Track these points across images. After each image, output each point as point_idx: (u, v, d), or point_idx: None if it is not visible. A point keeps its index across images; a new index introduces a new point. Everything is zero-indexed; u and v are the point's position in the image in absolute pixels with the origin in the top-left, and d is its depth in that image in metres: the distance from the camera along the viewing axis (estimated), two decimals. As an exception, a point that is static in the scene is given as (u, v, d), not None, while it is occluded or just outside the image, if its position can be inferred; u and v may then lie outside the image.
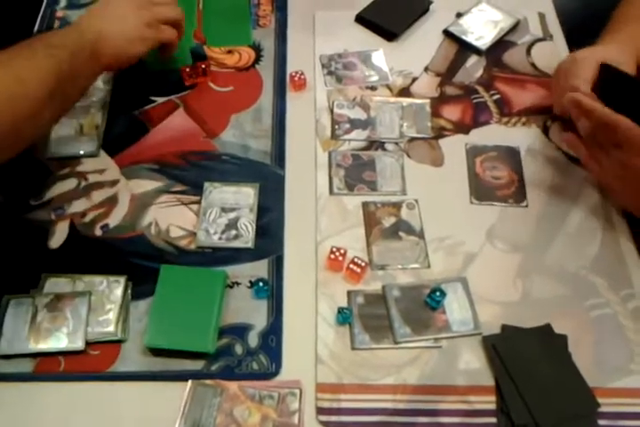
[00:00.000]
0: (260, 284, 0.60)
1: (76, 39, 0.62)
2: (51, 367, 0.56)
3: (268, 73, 0.79)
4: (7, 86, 0.54)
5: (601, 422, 0.54)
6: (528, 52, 0.83)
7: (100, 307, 0.58)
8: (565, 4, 0.92)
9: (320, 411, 0.54)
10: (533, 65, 0.81)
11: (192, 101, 0.76)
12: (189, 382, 0.55)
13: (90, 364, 0.56)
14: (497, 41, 0.83)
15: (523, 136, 0.74)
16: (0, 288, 0.59)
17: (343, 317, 0.58)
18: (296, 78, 0.77)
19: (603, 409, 0.54)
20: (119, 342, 0.57)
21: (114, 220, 0.65)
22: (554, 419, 0.54)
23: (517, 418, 0.53)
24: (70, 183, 0.68)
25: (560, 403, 0.54)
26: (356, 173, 0.70)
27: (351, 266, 0.61)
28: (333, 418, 0.54)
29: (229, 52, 0.81)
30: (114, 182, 0.68)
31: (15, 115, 0.54)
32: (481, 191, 0.69)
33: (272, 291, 0.61)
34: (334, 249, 0.61)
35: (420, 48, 0.83)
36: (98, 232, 0.64)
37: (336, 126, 0.74)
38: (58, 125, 0.71)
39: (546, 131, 0.75)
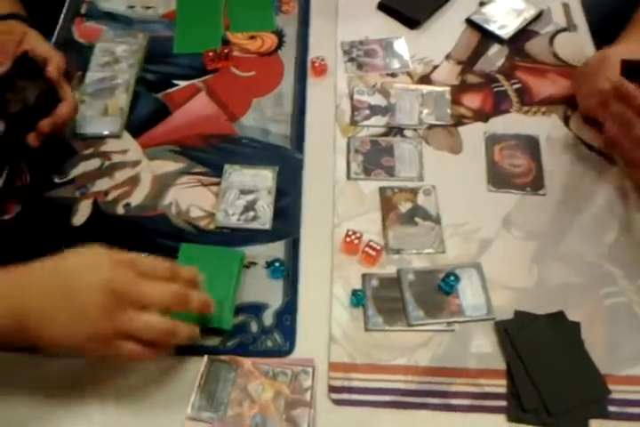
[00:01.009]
0: (277, 264, 0.61)
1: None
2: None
3: (289, 59, 0.80)
4: None
5: (611, 408, 0.54)
6: (551, 41, 0.83)
7: (120, 283, 0.59)
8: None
9: (332, 389, 0.55)
10: (555, 55, 0.81)
11: (214, 86, 0.77)
12: (205, 357, 0.56)
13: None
14: (519, 30, 0.83)
15: (542, 125, 0.74)
16: (26, 262, 0.61)
17: (357, 299, 0.59)
18: (317, 64, 0.78)
19: (613, 396, 0.55)
20: (138, 317, 0.58)
21: (136, 199, 0.66)
22: (564, 404, 0.54)
23: (527, 403, 0.54)
24: (94, 163, 0.69)
25: (571, 389, 0.55)
26: (374, 158, 0.71)
27: (366, 249, 0.62)
28: (345, 396, 0.55)
29: (252, 37, 0.82)
30: (136, 163, 0.69)
31: None
32: (498, 179, 0.69)
33: (288, 272, 0.61)
34: (350, 232, 0.62)
35: (441, 36, 0.83)
36: (120, 211, 0.66)
37: (355, 112, 0.75)
38: (84, 106, 0.73)
39: (566, 120, 0.74)
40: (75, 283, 0.47)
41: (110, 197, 0.67)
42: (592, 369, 0.56)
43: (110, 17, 0.84)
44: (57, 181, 0.68)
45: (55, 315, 0.47)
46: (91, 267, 0.49)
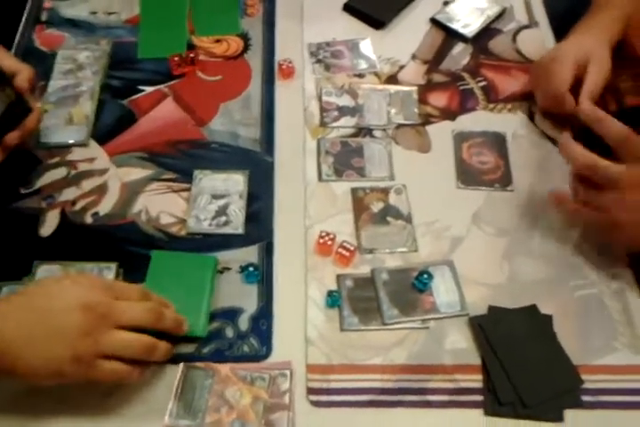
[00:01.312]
0: (251, 268, 0.60)
1: None
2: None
3: (256, 62, 0.80)
4: None
5: (584, 397, 0.55)
6: (514, 39, 0.84)
7: (91, 293, 0.59)
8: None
9: (310, 391, 0.55)
10: (519, 52, 0.82)
11: (181, 91, 0.76)
12: (181, 364, 0.55)
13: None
14: (483, 28, 0.84)
15: (509, 122, 0.75)
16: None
17: (332, 299, 0.59)
18: (284, 66, 0.77)
19: (586, 386, 0.56)
20: (112, 326, 0.57)
21: (104, 207, 0.66)
22: (539, 396, 0.55)
23: (503, 396, 0.55)
24: (60, 172, 0.68)
25: (545, 381, 0.56)
26: (345, 159, 0.71)
27: (340, 250, 0.62)
28: (323, 398, 0.55)
29: (218, 41, 0.82)
30: (103, 171, 0.69)
31: None
32: (467, 176, 0.70)
33: (262, 276, 0.61)
34: (323, 234, 0.62)
35: (407, 36, 0.84)
36: (89, 220, 0.65)
37: (324, 114, 0.75)
38: (47, 115, 0.72)
39: (531, 117, 0.76)
40: (51, 306, 0.47)
41: (78, 206, 0.66)
42: (565, 360, 0.57)
43: (72, 24, 0.83)
44: (23, 191, 0.66)
45: (33, 342, 0.46)
46: (67, 290, 0.49)
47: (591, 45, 0.70)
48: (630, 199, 0.56)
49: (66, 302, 0.47)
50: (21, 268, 0.61)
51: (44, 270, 0.60)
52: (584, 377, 0.56)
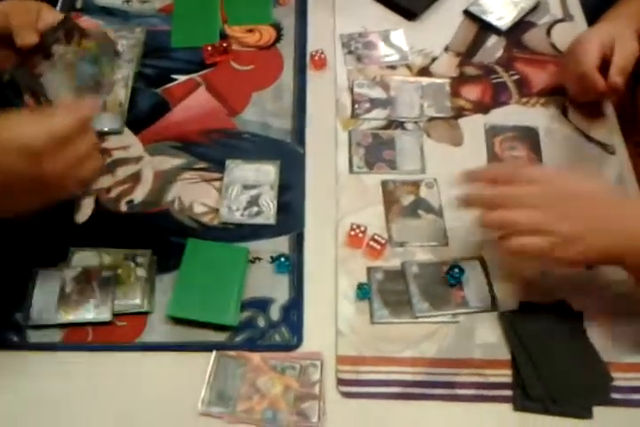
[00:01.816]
0: (282, 259, 0.61)
1: None
2: (79, 338, 0.58)
3: (288, 52, 0.79)
4: None
5: (614, 395, 0.55)
6: (548, 32, 0.83)
7: (126, 280, 0.60)
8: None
9: (340, 382, 0.55)
10: (553, 46, 0.81)
11: (213, 80, 0.76)
12: (214, 353, 0.56)
13: (117, 335, 0.58)
14: (517, 21, 0.83)
15: (541, 116, 0.74)
16: (29, 262, 0.61)
17: (363, 292, 0.59)
18: (316, 57, 0.77)
19: (617, 383, 0.56)
20: (145, 313, 0.59)
21: (138, 196, 0.66)
22: (568, 393, 0.55)
23: (533, 392, 0.55)
24: (95, 160, 0.69)
25: (575, 377, 0.56)
26: (376, 151, 0.71)
27: (371, 243, 0.62)
28: (353, 389, 0.55)
29: (250, 30, 0.82)
30: (138, 159, 0.69)
31: None
32: (500, 171, 0.69)
33: (293, 266, 0.62)
34: (354, 226, 0.62)
35: (439, 28, 0.83)
36: (123, 208, 0.66)
37: (356, 106, 0.75)
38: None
39: (564, 111, 0.75)
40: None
41: (113, 193, 0.67)
42: (595, 357, 0.57)
43: (106, 11, 0.83)
44: (58, 178, 0.67)
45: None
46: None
47: (617, 30, 0.69)
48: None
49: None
50: (57, 254, 0.62)
51: (80, 257, 0.62)
52: (614, 375, 0.56)
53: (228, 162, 0.69)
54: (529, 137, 0.72)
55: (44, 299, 0.58)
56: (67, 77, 0.62)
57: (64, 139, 0.47)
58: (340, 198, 0.67)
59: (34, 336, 0.58)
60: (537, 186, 0.54)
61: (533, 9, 0.85)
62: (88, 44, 0.63)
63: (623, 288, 0.61)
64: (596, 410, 0.55)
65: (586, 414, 0.54)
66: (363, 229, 0.62)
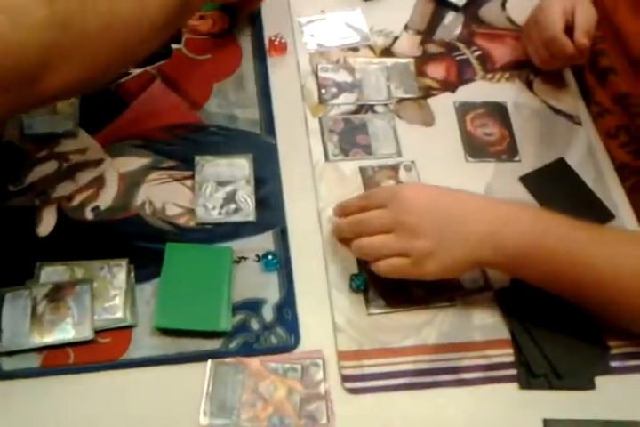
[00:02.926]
0: (269, 257, 0.58)
1: None
2: (59, 360, 0.53)
3: (245, 38, 0.76)
4: (130, 10, 0.47)
5: (613, 363, 0.56)
6: (503, 6, 0.82)
7: (104, 293, 0.56)
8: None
9: (345, 378, 0.54)
10: (510, 19, 0.81)
11: (169, 71, 0.72)
12: (209, 361, 0.53)
13: (101, 353, 0.54)
14: (472, -4, 0.82)
15: (508, 91, 0.74)
16: (-8, 282, 0.56)
17: (357, 283, 0.58)
18: (276, 42, 0.74)
19: (613, 351, 0.56)
20: (129, 327, 0.55)
21: (104, 201, 0.62)
22: (571, 366, 0.55)
23: (537, 368, 0.55)
24: (51, 166, 0.64)
25: (575, 349, 0.56)
26: (350, 137, 0.69)
27: (358, 232, 0.60)
28: (359, 384, 0.54)
29: (202, 17, 0.77)
30: (98, 162, 0.64)
31: (127, 38, 0.48)
32: (475, 149, 0.69)
33: (281, 263, 0.59)
34: None
35: (397, 6, 0.81)
36: (89, 215, 0.61)
37: (322, 90, 0.72)
38: (27, 104, 0.66)
39: (529, 85, 0.75)
40: None
41: (75, 201, 0.62)
42: (591, 327, 0.57)
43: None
44: (12, 189, 0.62)
45: None
46: None
47: None
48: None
49: None
50: (23, 271, 0.57)
51: (49, 272, 0.57)
52: (610, 343, 0.57)
53: (197, 158, 0.65)
54: (498, 112, 0.72)
55: (14, 322, 0.53)
56: None
57: None
58: (318, 188, 0.65)
59: (8, 364, 0.53)
60: (386, 207, 0.55)
61: (487, -17, 0.84)
62: None
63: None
64: (597, 380, 0.55)
65: (589, 385, 0.55)
66: (352, 219, 0.60)
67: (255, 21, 0.77)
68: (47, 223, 0.60)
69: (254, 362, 0.54)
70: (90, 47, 0.46)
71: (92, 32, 0.45)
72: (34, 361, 0.53)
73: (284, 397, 0.52)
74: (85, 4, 0.45)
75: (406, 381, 0.54)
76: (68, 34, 0.44)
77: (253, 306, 0.57)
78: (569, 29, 0.68)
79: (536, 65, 0.73)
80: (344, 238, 0.59)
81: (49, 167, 0.63)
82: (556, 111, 0.72)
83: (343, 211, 0.59)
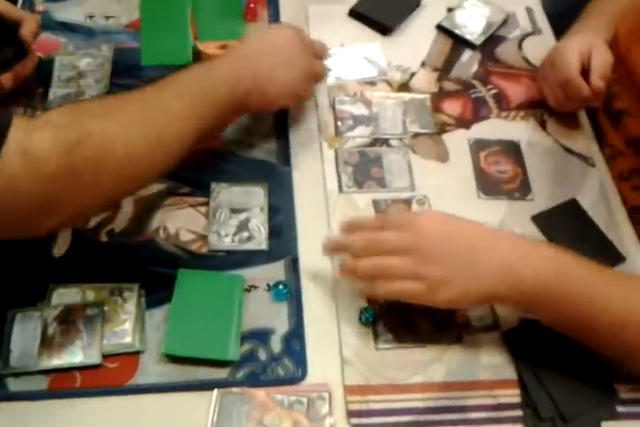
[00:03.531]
0: (280, 286, 0.58)
1: (227, 94, 0.57)
2: (66, 384, 0.53)
3: (264, 68, 0.77)
4: (149, 143, 0.49)
5: (619, 408, 0.55)
6: (519, 46, 0.84)
7: (114, 317, 0.56)
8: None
9: (351, 413, 0.53)
10: (526, 59, 0.82)
11: (189, 99, 0.73)
12: (215, 391, 0.53)
13: (108, 378, 0.53)
14: (489, 36, 0.84)
15: (522, 130, 0.75)
16: (4, 302, 0.56)
17: (366, 316, 0.58)
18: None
19: (620, 396, 0.56)
20: (137, 353, 0.55)
21: (119, 224, 0.62)
22: (577, 410, 0.55)
23: (544, 412, 0.54)
24: (69, 187, 0.64)
25: (582, 392, 0.56)
26: (364, 169, 0.69)
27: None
28: (365, 420, 0.53)
29: (223, 46, 0.79)
30: (115, 185, 0.65)
31: (151, 169, 0.51)
32: (487, 186, 0.69)
33: (291, 293, 0.59)
34: None
35: (415, 42, 0.83)
36: (104, 238, 0.61)
37: (339, 123, 0.73)
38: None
39: (543, 124, 0.76)
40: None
41: (91, 223, 0.62)
42: (598, 370, 0.57)
43: (67, 28, 0.79)
44: (30, 209, 0.62)
45: (272, 78, 0.62)
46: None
47: (591, 39, 0.71)
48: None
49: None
50: (36, 292, 0.57)
51: (61, 294, 0.57)
52: (618, 388, 0.56)
53: (213, 185, 0.66)
54: (512, 151, 0.73)
55: (24, 343, 0.54)
56: None
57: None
58: (331, 219, 0.65)
59: (15, 385, 0.53)
60: (406, 230, 0.54)
61: (504, 23, 0.86)
62: None
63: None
64: (604, 425, 0.55)
65: (595, 429, 0.54)
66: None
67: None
68: (62, 244, 0.61)
69: (260, 393, 0.53)
70: (97, 189, 0.46)
71: (103, 178, 0.45)
72: (41, 383, 0.53)
73: (288, 430, 0.52)
74: (104, 151, 0.45)
75: (412, 418, 0.54)
76: (79, 181, 0.43)
77: (262, 336, 0.57)
78: (585, 71, 0.69)
79: (551, 105, 0.74)
80: (336, 253, 0.58)
81: (67, 189, 0.64)
82: (570, 151, 0.73)
83: (354, 227, 0.57)
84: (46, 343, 0.54)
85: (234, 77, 0.58)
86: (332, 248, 0.58)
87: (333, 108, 0.74)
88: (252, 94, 0.60)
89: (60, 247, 0.60)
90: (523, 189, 0.69)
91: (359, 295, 0.58)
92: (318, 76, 0.68)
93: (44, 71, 0.73)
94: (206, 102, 0.55)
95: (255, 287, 0.60)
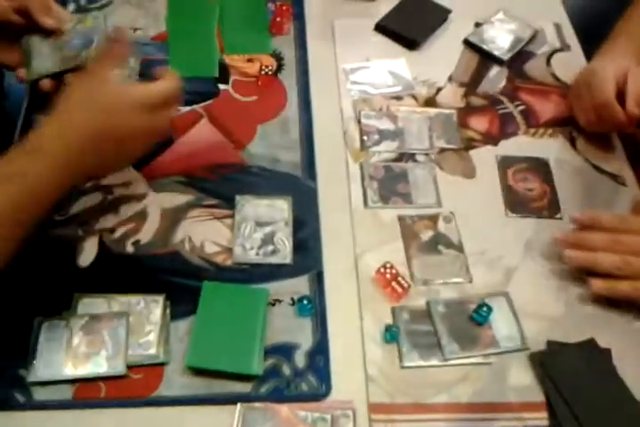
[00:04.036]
0: (304, 301, 0.58)
1: (40, 166, 0.49)
2: (91, 393, 0.53)
3: (291, 82, 0.77)
4: None
5: (652, 437, 0.54)
6: (548, 62, 0.83)
7: (139, 328, 0.56)
8: (578, 14, 0.93)
9: (375, 432, 0.52)
10: (554, 75, 0.82)
11: (215, 111, 0.74)
12: (238, 405, 0.53)
13: (133, 389, 0.53)
14: (517, 51, 0.83)
15: (550, 148, 0.74)
16: (30, 310, 0.56)
17: (391, 334, 0.57)
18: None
19: (653, 424, 0.54)
20: (162, 364, 0.54)
21: (145, 236, 0.62)
22: (607, 436, 0.53)
23: (573, 437, 0.53)
24: (95, 197, 0.65)
25: (610, 418, 0.54)
26: (390, 185, 0.69)
27: (394, 284, 0.60)
28: (389, 439, 0.52)
29: (249, 60, 0.79)
30: (142, 196, 0.65)
31: None
32: (515, 203, 0.69)
33: (315, 308, 0.59)
34: (388, 265, 0.60)
35: (441, 57, 0.82)
36: (129, 249, 0.61)
37: (365, 137, 0.73)
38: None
39: (573, 142, 0.75)
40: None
41: (117, 234, 0.62)
42: (627, 395, 0.56)
43: (97, 39, 0.79)
44: (57, 218, 0.63)
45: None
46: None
47: (625, 62, 0.70)
48: None
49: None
50: (61, 301, 0.57)
51: (86, 303, 0.57)
52: (649, 414, 0.55)
53: (237, 198, 0.66)
54: (541, 168, 0.72)
55: (49, 352, 0.54)
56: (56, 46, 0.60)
57: (171, 97, 0.55)
58: (356, 234, 0.65)
59: (40, 394, 0.53)
60: None
61: (532, 39, 0.85)
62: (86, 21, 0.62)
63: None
64: (635, 452, 0.53)
65: (625, 456, 0.53)
66: (394, 271, 0.60)
67: (301, 66, 0.79)
68: (88, 254, 0.61)
69: (284, 409, 0.53)
70: None
71: None
72: (66, 393, 0.53)
73: (311, 448, 0.51)
74: None
75: (437, 439, 0.53)
76: None
77: (286, 351, 0.56)
78: (619, 95, 0.68)
79: (581, 125, 0.73)
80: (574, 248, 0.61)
81: (93, 199, 0.65)
82: (600, 170, 0.72)
83: (594, 223, 0.62)
84: (71, 353, 0.54)
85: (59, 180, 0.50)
86: (569, 242, 0.62)
87: (359, 121, 0.74)
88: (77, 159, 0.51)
89: (86, 257, 0.61)
90: (551, 208, 0.69)
91: (595, 290, 0.59)
92: (163, 130, 0.57)
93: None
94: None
95: (280, 301, 0.59)
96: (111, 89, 0.54)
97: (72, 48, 0.61)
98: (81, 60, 0.60)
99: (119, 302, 0.57)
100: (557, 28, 0.88)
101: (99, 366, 0.53)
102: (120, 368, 0.53)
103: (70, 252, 0.61)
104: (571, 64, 0.83)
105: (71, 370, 0.53)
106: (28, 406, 0.52)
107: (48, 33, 0.61)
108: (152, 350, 0.54)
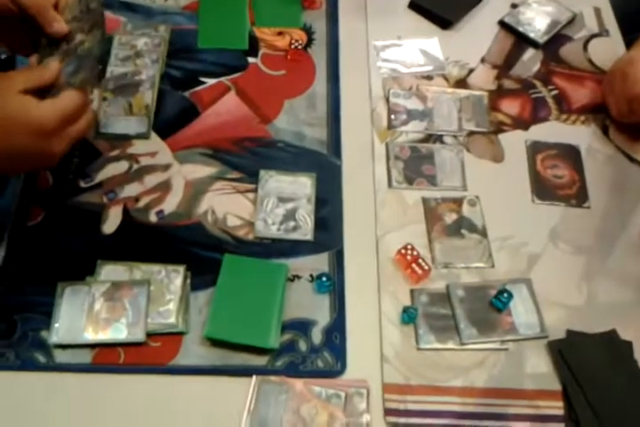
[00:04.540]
0: (323, 278, 0.58)
1: None
2: (110, 359, 0.54)
3: (320, 57, 0.76)
4: None
5: (667, 431, 0.53)
6: (585, 47, 0.81)
7: (159, 297, 0.56)
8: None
9: (388, 412, 0.53)
10: (591, 61, 0.79)
11: (243, 84, 0.73)
12: (254, 377, 0.53)
13: (151, 356, 0.54)
14: (553, 35, 0.81)
15: (582, 135, 0.72)
16: (54, 274, 0.57)
17: (409, 316, 0.57)
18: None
19: (670, 418, 0.54)
20: (180, 334, 0.55)
21: (169, 206, 0.63)
22: (621, 426, 0.53)
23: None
24: (121, 166, 0.65)
25: (627, 410, 0.54)
26: (415, 166, 0.68)
27: (414, 266, 0.59)
28: (401, 420, 0.53)
29: (280, 33, 0.78)
30: (167, 166, 0.65)
31: None
32: (543, 190, 0.67)
33: (334, 286, 0.59)
34: (409, 246, 0.59)
35: (475, 38, 0.81)
36: (153, 218, 0.62)
37: (392, 116, 0.72)
38: (106, 104, 0.68)
39: (605, 130, 0.73)
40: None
41: (141, 203, 0.63)
42: (646, 388, 0.55)
43: (128, 7, 0.79)
44: (83, 185, 0.63)
45: None
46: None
47: None
48: None
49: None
50: (84, 266, 0.58)
51: (109, 270, 0.57)
52: (666, 408, 0.54)
53: (261, 172, 0.65)
54: (571, 155, 0.70)
55: (71, 316, 0.54)
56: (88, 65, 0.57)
57: (70, 117, 0.50)
58: (379, 214, 0.64)
59: (61, 356, 0.53)
60: None
61: (569, 22, 0.83)
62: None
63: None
64: (649, 445, 0.53)
65: (641, 450, 0.52)
66: (415, 253, 0.59)
67: (332, 42, 0.77)
68: (112, 222, 0.61)
69: (299, 383, 0.53)
70: None
71: None
72: (86, 357, 0.54)
73: (324, 422, 0.51)
74: None
75: (449, 422, 0.53)
76: None
77: (303, 326, 0.56)
78: None
79: (612, 115, 0.72)
80: None
81: (120, 167, 0.65)
82: (632, 160, 0.71)
83: None
84: (92, 318, 0.54)
85: None
86: None
87: (387, 100, 0.73)
88: None
89: (110, 225, 0.61)
90: (580, 196, 0.67)
91: None
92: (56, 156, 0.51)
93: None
94: None
95: (299, 277, 0.59)
96: (9, 106, 0.48)
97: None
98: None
99: (141, 270, 0.58)
100: (597, 12, 0.85)
101: (119, 332, 0.54)
102: (140, 335, 0.54)
103: (95, 219, 0.61)
104: (609, 51, 0.80)
105: (91, 335, 0.53)
106: (49, 368, 0.53)
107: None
108: (171, 319, 0.55)
